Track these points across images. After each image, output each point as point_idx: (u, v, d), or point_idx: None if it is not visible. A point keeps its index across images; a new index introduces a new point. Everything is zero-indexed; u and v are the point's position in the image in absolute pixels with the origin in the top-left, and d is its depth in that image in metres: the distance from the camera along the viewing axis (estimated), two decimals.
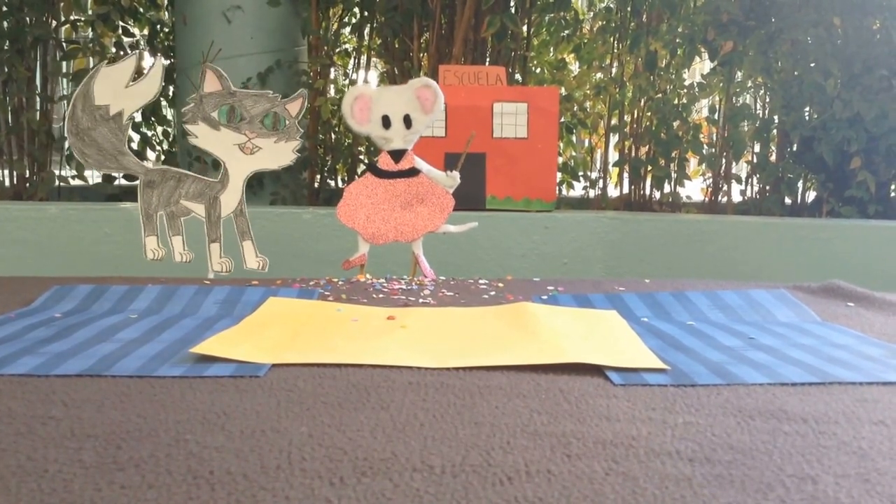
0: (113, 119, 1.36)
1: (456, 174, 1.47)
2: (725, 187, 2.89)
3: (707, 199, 2.93)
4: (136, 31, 3.03)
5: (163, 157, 2.91)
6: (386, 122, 1.40)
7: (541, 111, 2.13)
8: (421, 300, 1.15)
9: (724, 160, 2.86)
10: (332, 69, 2.99)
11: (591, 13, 3.25)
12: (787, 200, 2.76)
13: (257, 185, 2.59)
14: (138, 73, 1.37)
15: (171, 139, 3.00)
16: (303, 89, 1.44)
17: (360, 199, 1.45)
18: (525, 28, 2.91)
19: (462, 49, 2.59)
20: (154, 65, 1.38)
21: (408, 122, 1.40)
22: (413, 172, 1.44)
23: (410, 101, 1.40)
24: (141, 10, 3.00)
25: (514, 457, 0.55)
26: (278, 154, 1.41)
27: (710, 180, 2.91)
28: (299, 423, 0.62)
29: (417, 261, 1.48)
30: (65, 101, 2.67)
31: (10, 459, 0.53)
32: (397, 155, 1.43)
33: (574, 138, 3.27)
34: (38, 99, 2.67)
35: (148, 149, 2.90)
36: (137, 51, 1.54)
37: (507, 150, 2.12)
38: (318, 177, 2.82)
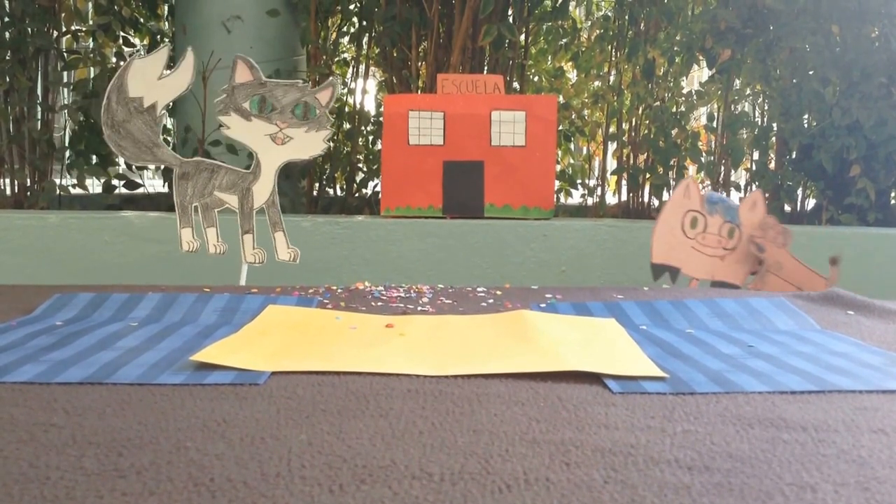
0: (147, 111, 1.35)
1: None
2: (725, 195, 2.89)
3: None
4: (136, 41, 3.04)
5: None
6: None
7: (539, 119, 2.13)
8: (419, 308, 1.15)
9: (722, 168, 2.87)
10: (331, 78, 3.00)
11: (589, 22, 3.27)
12: (787, 208, 2.76)
13: None
14: (169, 65, 1.36)
15: (170, 147, 3.00)
16: (332, 77, 1.44)
17: None
18: (523, 37, 2.92)
19: (460, 58, 2.60)
20: (186, 56, 1.37)
21: None
22: None
23: None
24: (141, 20, 3.01)
25: (512, 465, 0.55)
26: (309, 144, 1.40)
27: (709, 188, 2.92)
28: (299, 431, 0.62)
29: None
30: (65, 111, 2.68)
31: (12, 467, 0.53)
32: None
33: (572, 146, 3.28)
34: (39, 109, 2.68)
35: None
36: (168, 42, 1.55)
37: (506, 158, 2.13)
38: (317, 185, 2.83)
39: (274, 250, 1.44)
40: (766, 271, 1.61)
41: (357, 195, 2.80)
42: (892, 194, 2.59)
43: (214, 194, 1.39)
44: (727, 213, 1.52)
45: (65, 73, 2.75)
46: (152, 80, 1.35)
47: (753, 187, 2.88)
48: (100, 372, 0.78)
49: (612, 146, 3.07)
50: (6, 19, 2.55)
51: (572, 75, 3.33)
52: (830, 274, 1.61)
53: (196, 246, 1.41)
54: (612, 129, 3.00)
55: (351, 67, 3.03)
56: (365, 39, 2.90)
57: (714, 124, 2.93)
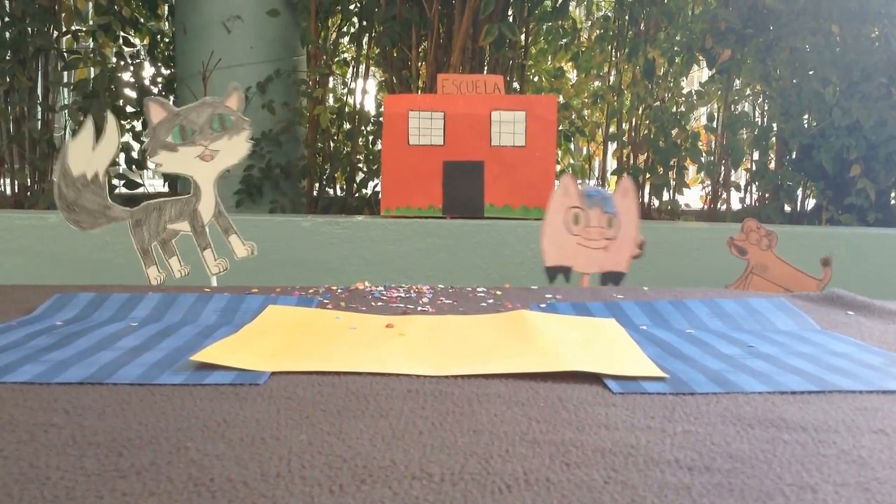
0: (92, 182, 1.45)
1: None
2: (724, 195, 2.89)
3: (706, 206, 2.93)
4: (136, 41, 3.04)
5: None
6: None
7: (539, 119, 2.13)
8: (419, 308, 1.15)
9: (722, 168, 2.87)
10: (331, 78, 3.00)
11: (589, 22, 3.27)
12: (787, 208, 2.76)
13: (257, 193, 2.60)
14: (98, 133, 1.46)
15: None
16: (234, 82, 1.50)
17: None
18: (523, 37, 2.92)
19: (460, 58, 2.60)
20: (107, 123, 1.46)
21: None
22: None
23: None
24: (141, 20, 3.02)
25: (512, 465, 0.55)
26: (234, 149, 1.48)
27: (709, 188, 2.92)
28: (299, 431, 0.62)
29: None
30: (65, 111, 2.68)
31: (12, 467, 0.53)
32: None
33: (572, 146, 3.28)
34: (39, 109, 2.68)
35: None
36: (89, 115, 1.65)
37: (506, 158, 2.13)
38: (317, 185, 2.83)
39: (231, 252, 1.49)
40: (750, 273, 1.61)
41: (357, 195, 2.80)
42: (892, 194, 2.59)
43: (168, 228, 1.48)
44: (604, 203, 1.54)
45: (65, 73, 2.75)
46: (87, 153, 1.45)
47: (753, 187, 2.89)
48: (100, 372, 0.78)
49: (612, 146, 3.07)
50: (6, 19, 2.55)
51: (572, 75, 3.33)
52: (823, 275, 1.62)
53: (163, 278, 1.49)
54: (612, 129, 3.00)
55: (351, 67, 3.03)
56: (365, 39, 2.90)
57: (714, 124, 2.93)
